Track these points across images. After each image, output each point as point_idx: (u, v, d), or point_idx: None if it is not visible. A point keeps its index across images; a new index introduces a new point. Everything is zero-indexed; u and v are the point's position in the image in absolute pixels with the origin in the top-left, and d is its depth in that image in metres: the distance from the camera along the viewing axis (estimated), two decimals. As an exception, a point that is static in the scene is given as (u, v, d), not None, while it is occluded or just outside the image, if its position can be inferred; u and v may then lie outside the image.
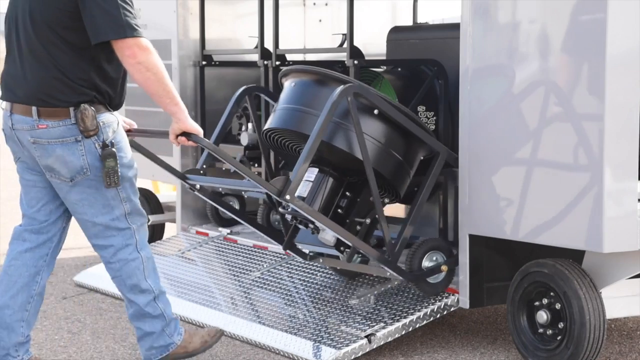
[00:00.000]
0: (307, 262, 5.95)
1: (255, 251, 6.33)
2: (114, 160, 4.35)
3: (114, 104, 4.46)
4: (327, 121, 4.70)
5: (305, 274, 5.80)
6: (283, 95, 5.10)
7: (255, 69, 6.66)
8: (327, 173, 5.01)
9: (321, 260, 5.25)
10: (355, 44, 5.77)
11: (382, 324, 4.96)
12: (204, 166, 5.39)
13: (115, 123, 4.43)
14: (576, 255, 4.70)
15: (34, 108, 4.33)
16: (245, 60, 6.93)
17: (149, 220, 4.76)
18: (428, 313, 5.01)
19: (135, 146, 4.75)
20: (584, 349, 4.52)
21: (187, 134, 4.47)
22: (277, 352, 5.01)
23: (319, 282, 5.64)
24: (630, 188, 4.36)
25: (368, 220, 5.00)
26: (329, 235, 4.91)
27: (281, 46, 6.33)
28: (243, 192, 6.72)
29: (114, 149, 4.36)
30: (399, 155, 4.93)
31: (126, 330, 5.47)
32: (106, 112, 4.40)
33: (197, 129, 4.48)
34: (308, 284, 5.65)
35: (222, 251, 6.48)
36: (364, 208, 5.06)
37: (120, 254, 4.53)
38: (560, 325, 4.65)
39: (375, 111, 4.86)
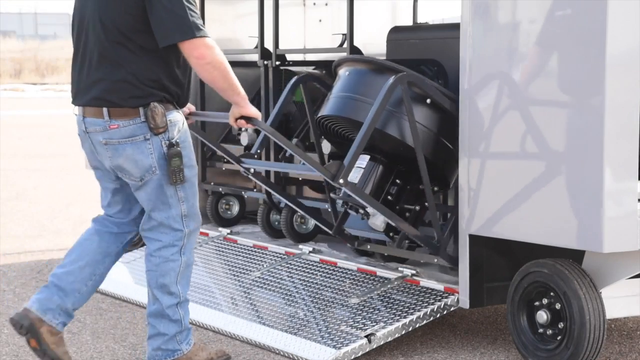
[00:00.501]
0: (307, 261, 5.96)
1: (255, 251, 6.33)
2: (180, 159, 4.47)
3: (181, 102, 4.60)
4: (381, 109, 4.83)
5: (305, 274, 5.80)
6: (337, 84, 5.22)
7: (255, 69, 6.66)
8: (378, 160, 5.15)
9: (369, 247, 5.43)
10: (355, 44, 5.77)
11: (382, 324, 4.96)
12: (259, 151, 5.47)
13: (181, 122, 4.55)
14: (576, 255, 4.70)
15: (104, 109, 4.44)
16: (245, 60, 6.92)
17: None
18: (428, 313, 5.01)
19: (194, 129, 4.91)
20: (584, 349, 4.52)
21: (246, 118, 4.63)
22: (277, 352, 5.01)
23: (319, 282, 5.64)
24: (630, 188, 4.36)
25: (417, 207, 5.15)
26: (379, 220, 5.07)
27: (281, 46, 6.33)
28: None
29: (179, 148, 4.47)
30: (450, 144, 5.04)
31: (126, 330, 5.48)
32: (174, 111, 4.53)
33: (256, 113, 4.63)
34: (308, 284, 5.65)
35: (222, 251, 6.48)
36: (413, 196, 5.20)
37: (164, 252, 4.61)
38: (560, 325, 4.65)
39: (428, 100, 4.98)
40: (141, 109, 4.43)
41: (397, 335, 4.95)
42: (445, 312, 5.05)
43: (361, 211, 5.12)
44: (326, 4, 7.42)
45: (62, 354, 4.61)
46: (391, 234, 5.22)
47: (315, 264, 5.91)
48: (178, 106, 4.58)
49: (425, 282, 5.29)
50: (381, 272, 5.54)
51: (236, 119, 4.66)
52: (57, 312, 4.65)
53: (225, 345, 5.17)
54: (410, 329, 4.97)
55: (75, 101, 4.57)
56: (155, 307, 4.64)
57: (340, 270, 5.74)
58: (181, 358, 4.68)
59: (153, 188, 4.52)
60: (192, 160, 4.61)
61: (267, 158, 6.33)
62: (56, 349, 4.61)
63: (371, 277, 5.53)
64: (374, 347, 4.88)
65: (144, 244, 7.01)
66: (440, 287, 5.19)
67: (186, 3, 4.35)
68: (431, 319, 5.03)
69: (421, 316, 5.00)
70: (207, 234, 6.78)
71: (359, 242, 5.55)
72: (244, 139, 6.55)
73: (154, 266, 4.62)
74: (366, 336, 4.86)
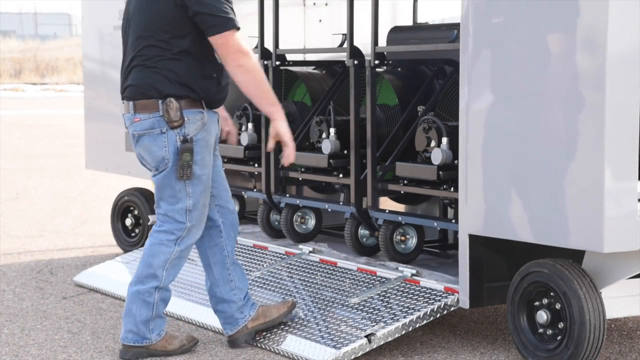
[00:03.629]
0: (307, 261, 5.96)
1: (255, 251, 6.33)
2: (190, 154, 4.66)
3: (210, 102, 4.78)
4: None
5: (305, 274, 5.80)
6: None
7: (255, 69, 6.66)
8: None
9: None
10: (355, 44, 5.77)
11: (382, 324, 4.96)
12: None
13: (201, 122, 4.73)
14: (576, 255, 4.70)
15: (131, 103, 4.74)
16: (245, 60, 6.91)
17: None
18: (428, 313, 5.01)
19: None
20: (584, 349, 4.52)
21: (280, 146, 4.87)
22: (277, 352, 5.01)
23: (319, 282, 5.64)
24: (630, 188, 4.36)
25: None
26: None
27: (281, 46, 6.33)
28: (243, 192, 6.74)
29: (192, 145, 4.66)
30: None
31: (126, 330, 5.48)
32: (196, 109, 4.72)
33: (290, 141, 4.81)
34: (308, 284, 5.65)
35: (222, 251, 6.47)
36: None
37: (162, 235, 4.81)
38: (560, 325, 4.65)
39: None
40: (160, 102, 4.66)
41: (397, 335, 4.95)
42: (445, 312, 5.04)
43: None
44: (326, 4, 7.41)
45: None
46: None
47: (315, 264, 5.91)
48: (207, 106, 4.76)
49: (425, 282, 5.29)
50: (381, 272, 5.54)
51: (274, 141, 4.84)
52: (237, 313, 5.09)
53: (225, 345, 5.17)
54: (410, 329, 4.97)
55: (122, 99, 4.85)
56: (136, 288, 4.82)
57: (340, 270, 5.74)
58: (155, 347, 4.86)
59: (164, 179, 4.72)
60: (205, 160, 4.75)
61: (267, 158, 6.32)
62: None
63: (371, 277, 5.53)
64: (374, 347, 4.88)
65: (144, 244, 7.04)
66: (440, 287, 5.19)
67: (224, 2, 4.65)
68: (431, 319, 5.03)
69: (421, 316, 5.00)
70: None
71: None
72: (244, 139, 6.55)
73: (149, 245, 4.83)
74: (366, 336, 4.86)
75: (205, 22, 4.62)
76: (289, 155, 4.83)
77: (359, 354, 4.85)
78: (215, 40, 4.64)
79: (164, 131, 4.68)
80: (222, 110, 5.07)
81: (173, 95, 4.66)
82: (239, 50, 4.61)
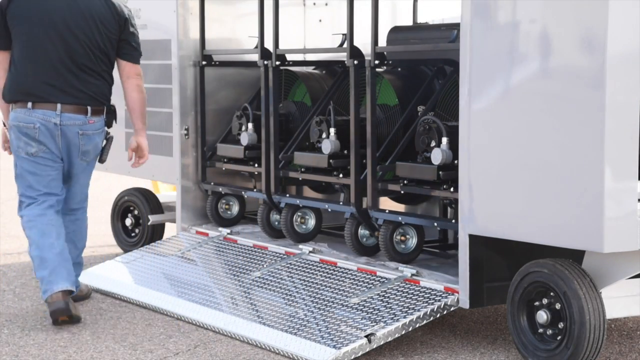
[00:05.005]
0: (307, 261, 5.96)
1: (255, 251, 6.33)
2: (109, 144, 5.89)
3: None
4: None
5: (305, 274, 5.80)
6: None
7: (255, 69, 6.66)
8: None
9: None
10: (355, 44, 5.77)
11: (382, 324, 4.96)
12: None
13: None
14: (576, 255, 4.70)
15: (89, 107, 5.71)
16: (245, 60, 6.93)
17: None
18: (428, 313, 5.01)
19: None
20: (584, 349, 4.52)
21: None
22: (277, 351, 5.01)
23: (319, 282, 5.64)
24: (630, 188, 4.36)
25: None
26: None
27: (281, 46, 6.33)
28: (243, 192, 6.74)
29: (111, 136, 5.89)
30: None
31: (126, 330, 5.47)
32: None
33: (147, 153, 6.00)
34: (308, 284, 5.65)
35: (222, 251, 6.48)
36: None
37: (84, 214, 6.02)
38: (560, 325, 4.65)
39: None
40: (104, 109, 5.82)
41: (397, 335, 4.95)
42: (445, 312, 5.05)
43: None
44: (326, 4, 7.41)
45: None
46: None
47: (315, 264, 5.91)
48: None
49: (425, 282, 5.29)
50: (381, 272, 5.54)
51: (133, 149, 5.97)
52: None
53: (225, 345, 5.18)
54: (410, 329, 4.97)
55: (50, 99, 5.68)
56: (75, 259, 5.88)
57: (340, 270, 5.74)
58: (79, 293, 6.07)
59: (91, 167, 5.90)
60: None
61: (267, 158, 6.32)
62: None
63: (371, 277, 5.53)
64: (374, 347, 4.88)
65: (144, 244, 7.04)
66: (440, 287, 5.19)
67: (138, 39, 5.84)
68: (431, 319, 5.03)
69: (421, 316, 5.00)
70: (207, 234, 6.78)
71: None
72: (244, 139, 6.55)
73: (74, 227, 5.92)
74: (366, 336, 4.86)
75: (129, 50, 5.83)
76: (143, 163, 5.99)
77: (359, 354, 4.85)
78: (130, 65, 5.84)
79: (103, 130, 5.86)
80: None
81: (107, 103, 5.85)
82: (140, 76, 5.88)
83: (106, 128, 5.83)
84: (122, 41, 5.75)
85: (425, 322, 5.01)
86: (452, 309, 5.06)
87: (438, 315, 5.03)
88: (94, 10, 5.67)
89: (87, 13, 5.65)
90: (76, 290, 5.76)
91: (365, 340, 4.85)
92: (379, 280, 5.47)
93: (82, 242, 6.00)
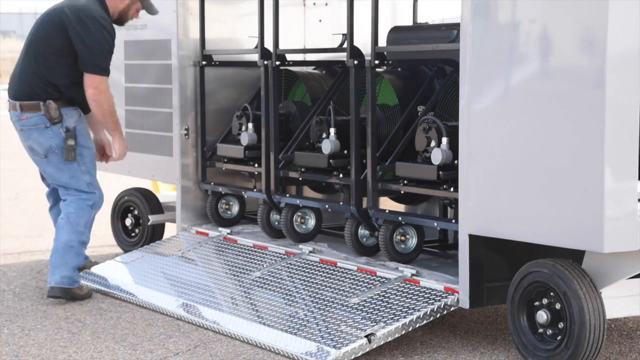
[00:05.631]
0: (307, 261, 5.95)
1: (255, 251, 6.33)
2: (74, 141, 5.99)
3: (76, 103, 6.07)
4: None
5: (305, 274, 5.80)
6: None
7: (255, 69, 6.66)
8: None
9: None
10: (355, 44, 5.77)
11: (382, 324, 4.96)
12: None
13: (77, 116, 6.07)
14: (576, 255, 4.70)
15: (17, 103, 6.05)
16: (245, 60, 6.93)
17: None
18: (428, 313, 5.01)
19: None
20: (584, 349, 4.52)
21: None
22: (278, 352, 5.01)
23: (319, 282, 5.64)
24: (630, 188, 4.36)
25: None
26: None
27: (281, 46, 6.33)
28: (243, 192, 6.74)
29: (75, 133, 6.00)
30: None
31: (126, 331, 5.48)
32: (70, 108, 6.04)
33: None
34: (308, 284, 5.65)
35: (222, 251, 6.48)
36: None
37: (65, 207, 6.15)
38: (560, 325, 4.65)
39: None
40: (41, 104, 6.00)
41: (397, 335, 4.95)
42: (445, 312, 5.05)
43: None
44: (326, 4, 7.41)
45: None
46: None
47: (315, 264, 5.91)
48: (74, 105, 6.04)
49: (425, 282, 5.29)
50: (381, 272, 5.54)
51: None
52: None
53: (225, 345, 5.18)
54: (410, 329, 4.97)
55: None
56: (66, 242, 6.04)
57: (340, 270, 5.74)
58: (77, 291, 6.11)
59: (59, 164, 6.02)
60: (88, 142, 6.12)
61: (267, 158, 6.32)
62: None
63: (371, 277, 5.53)
64: (374, 347, 4.88)
65: (144, 244, 7.05)
66: (440, 287, 5.19)
67: (102, 45, 5.97)
68: (431, 319, 5.03)
69: (421, 316, 5.00)
70: (207, 234, 6.77)
71: None
72: (244, 139, 6.55)
73: (69, 213, 6.09)
74: (366, 336, 4.86)
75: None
76: (117, 160, 6.35)
77: (359, 354, 4.85)
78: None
79: (48, 125, 6.01)
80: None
81: (50, 98, 6.01)
82: (95, 87, 5.99)
83: (66, 125, 5.98)
84: (76, 47, 5.95)
85: (425, 322, 5.01)
86: (452, 309, 5.06)
87: (438, 315, 5.03)
88: (53, 14, 6.07)
89: (46, 18, 6.10)
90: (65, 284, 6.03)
91: (365, 340, 4.85)
92: (379, 280, 5.47)
93: (59, 237, 6.10)
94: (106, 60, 5.99)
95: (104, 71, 5.98)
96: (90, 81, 5.95)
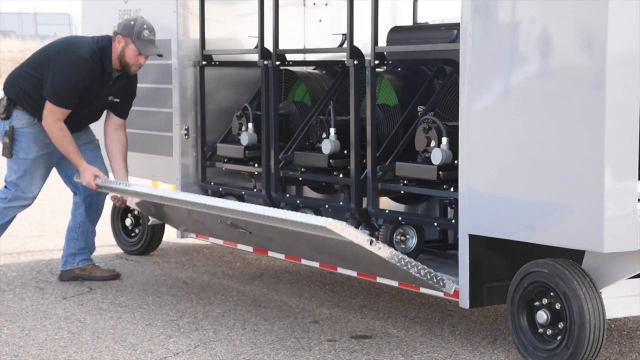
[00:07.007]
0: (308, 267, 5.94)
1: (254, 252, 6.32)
2: (9, 139, 6.32)
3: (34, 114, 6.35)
4: None
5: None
6: None
7: (255, 69, 6.66)
8: None
9: None
10: (355, 44, 5.77)
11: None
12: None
13: (26, 121, 6.33)
14: (576, 255, 4.69)
15: None
16: (245, 60, 6.92)
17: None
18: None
19: None
20: (584, 349, 4.52)
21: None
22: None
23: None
24: (630, 188, 4.36)
25: None
26: None
27: (281, 46, 6.33)
28: (243, 192, 6.74)
29: (12, 132, 6.31)
30: None
31: (126, 331, 5.47)
32: (23, 111, 6.33)
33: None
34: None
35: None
36: None
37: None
38: (560, 325, 4.65)
39: None
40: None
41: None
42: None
43: None
44: (326, 4, 7.41)
45: None
46: None
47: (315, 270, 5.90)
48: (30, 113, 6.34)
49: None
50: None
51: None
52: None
53: (225, 345, 5.17)
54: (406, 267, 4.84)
55: None
56: None
57: (338, 273, 5.73)
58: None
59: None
60: (25, 149, 6.34)
61: (267, 158, 6.32)
62: None
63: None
64: (374, 249, 4.74)
65: (144, 244, 7.04)
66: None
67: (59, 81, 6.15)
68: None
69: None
70: (207, 237, 6.75)
71: None
72: (244, 139, 6.54)
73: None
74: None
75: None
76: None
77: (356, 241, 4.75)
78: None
79: None
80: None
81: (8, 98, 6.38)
82: (51, 118, 6.21)
83: (11, 124, 6.29)
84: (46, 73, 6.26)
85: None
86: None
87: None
88: (53, 43, 6.46)
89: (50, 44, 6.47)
90: None
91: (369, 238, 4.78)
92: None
93: None
94: (61, 91, 6.15)
95: (57, 100, 6.16)
96: (45, 108, 6.19)
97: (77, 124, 6.39)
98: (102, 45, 6.27)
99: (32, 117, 6.32)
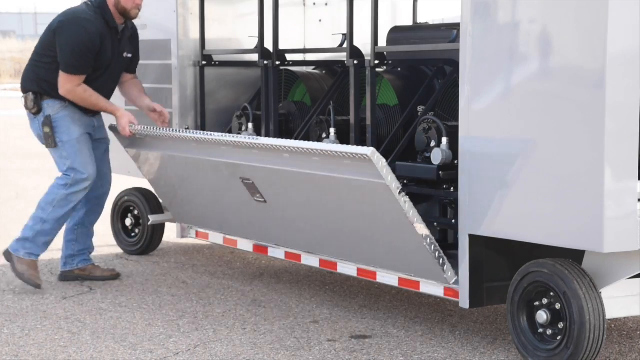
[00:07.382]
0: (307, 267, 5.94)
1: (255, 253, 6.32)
2: (50, 129, 6.31)
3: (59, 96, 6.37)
4: None
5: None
6: None
7: (255, 69, 6.66)
8: None
9: None
10: (355, 44, 5.77)
11: None
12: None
13: (59, 106, 6.33)
14: (576, 255, 4.70)
15: (22, 96, 6.42)
16: (245, 60, 6.93)
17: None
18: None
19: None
20: (584, 349, 4.52)
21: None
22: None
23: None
24: (630, 188, 4.36)
25: None
26: None
27: (281, 46, 6.33)
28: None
29: (51, 121, 6.32)
30: None
31: (126, 330, 5.47)
32: (53, 99, 6.34)
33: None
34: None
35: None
36: None
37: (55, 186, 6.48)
38: (560, 325, 4.65)
39: None
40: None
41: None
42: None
43: None
44: (326, 4, 7.41)
45: None
46: None
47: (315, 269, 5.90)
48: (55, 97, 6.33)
49: (425, 282, 5.28)
50: (381, 273, 5.53)
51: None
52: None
53: (225, 345, 5.17)
54: None
55: None
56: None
57: (337, 274, 5.73)
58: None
59: (52, 152, 6.41)
60: (66, 132, 6.33)
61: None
62: None
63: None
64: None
65: (144, 244, 7.04)
66: (440, 287, 5.18)
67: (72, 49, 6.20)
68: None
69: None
70: (207, 236, 6.76)
71: None
72: (244, 139, 6.54)
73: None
74: None
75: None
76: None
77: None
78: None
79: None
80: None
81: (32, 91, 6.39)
82: (62, 87, 6.29)
83: (46, 114, 6.31)
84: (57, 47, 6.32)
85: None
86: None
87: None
88: (53, 20, 6.47)
89: (51, 22, 6.46)
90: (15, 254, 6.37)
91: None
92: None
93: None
94: (74, 58, 6.21)
95: (72, 69, 6.22)
96: (60, 78, 6.25)
97: (101, 91, 6.41)
98: (98, 3, 6.32)
99: (62, 102, 6.34)
